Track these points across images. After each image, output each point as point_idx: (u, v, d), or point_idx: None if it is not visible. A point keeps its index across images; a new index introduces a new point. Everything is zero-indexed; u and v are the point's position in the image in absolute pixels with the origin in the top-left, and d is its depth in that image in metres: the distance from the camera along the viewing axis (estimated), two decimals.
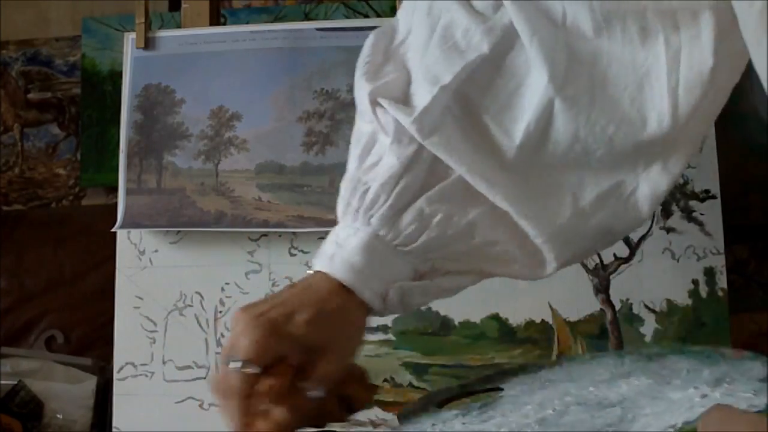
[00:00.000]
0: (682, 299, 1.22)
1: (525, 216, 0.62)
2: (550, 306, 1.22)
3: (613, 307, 1.22)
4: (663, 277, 1.21)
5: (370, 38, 0.68)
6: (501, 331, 1.22)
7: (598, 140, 0.61)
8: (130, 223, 1.26)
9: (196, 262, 1.27)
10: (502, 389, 0.63)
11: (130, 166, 1.28)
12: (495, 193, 0.62)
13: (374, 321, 1.24)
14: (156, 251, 1.28)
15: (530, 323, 1.22)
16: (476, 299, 1.21)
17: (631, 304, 1.22)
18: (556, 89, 0.61)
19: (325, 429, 0.62)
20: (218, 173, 1.27)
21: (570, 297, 1.22)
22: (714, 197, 1.22)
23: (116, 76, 1.66)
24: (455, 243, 0.63)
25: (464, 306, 1.22)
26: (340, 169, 1.24)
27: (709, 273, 1.22)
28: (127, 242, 1.28)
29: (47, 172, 1.81)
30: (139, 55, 1.31)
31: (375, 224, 0.63)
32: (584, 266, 1.21)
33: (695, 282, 1.22)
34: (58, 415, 1.43)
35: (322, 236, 1.25)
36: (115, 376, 1.26)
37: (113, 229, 1.27)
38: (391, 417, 1.17)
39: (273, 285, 1.26)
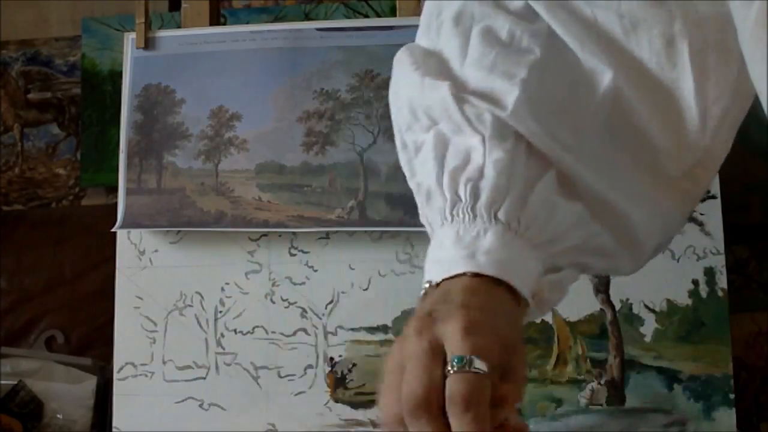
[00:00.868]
0: (682, 299, 1.22)
1: (626, 205, 0.61)
2: None
3: (613, 306, 1.22)
4: (663, 277, 1.21)
5: (403, 52, 0.65)
6: None
7: (648, 140, 0.61)
8: (130, 223, 1.26)
9: (196, 262, 1.27)
10: None
11: (130, 166, 1.28)
12: (598, 181, 0.61)
13: (374, 321, 1.24)
14: (156, 251, 1.28)
15: (530, 323, 1.22)
16: None
17: (631, 304, 1.22)
18: (618, 87, 0.60)
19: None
20: (218, 173, 1.27)
21: (570, 297, 1.21)
22: (714, 197, 1.22)
23: (116, 76, 1.66)
24: (574, 233, 0.61)
25: None
26: (340, 169, 1.25)
27: (709, 273, 1.22)
28: (127, 242, 1.28)
29: (47, 172, 1.81)
30: (139, 55, 1.31)
31: (503, 218, 0.58)
32: None
33: (695, 282, 1.22)
34: (58, 415, 1.43)
35: (322, 236, 1.26)
36: (115, 376, 1.26)
37: (113, 229, 1.27)
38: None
39: (273, 285, 1.26)
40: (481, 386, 0.49)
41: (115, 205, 1.28)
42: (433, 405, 0.49)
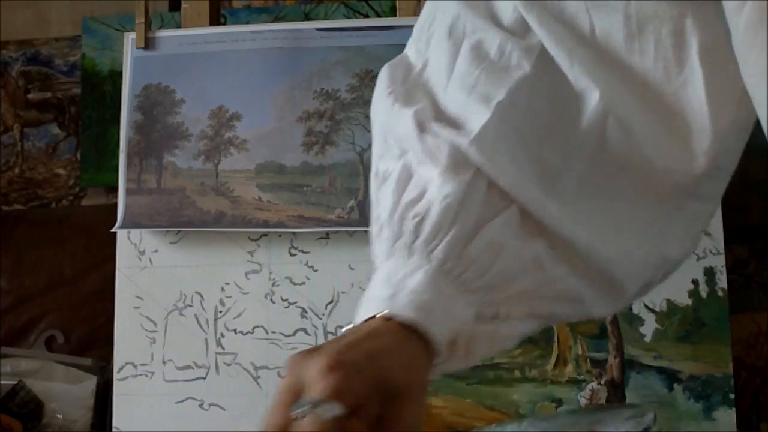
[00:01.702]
0: (682, 299, 1.22)
1: (590, 245, 0.57)
2: None
3: None
4: None
5: (384, 71, 0.63)
6: None
7: (646, 162, 0.58)
8: (130, 223, 1.26)
9: (196, 262, 1.27)
10: None
11: (130, 166, 1.28)
12: (557, 218, 0.56)
13: None
14: (156, 251, 1.28)
15: None
16: None
17: (631, 304, 1.22)
18: (607, 106, 0.57)
19: None
20: (218, 173, 1.27)
21: None
22: None
23: (116, 76, 1.66)
24: (524, 278, 0.56)
25: None
26: (339, 169, 1.25)
27: (709, 273, 1.22)
28: (127, 242, 1.28)
29: (47, 172, 1.81)
30: (139, 55, 1.31)
31: (439, 257, 0.55)
32: None
33: (695, 282, 1.22)
34: (58, 415, 1.43)
35: (322, 236, 1.26)
36: (115, 376, 1.26)
37: (113, 229, 1.27)
38: None
39: (273, 285, 1.26)
40: (327, 430, 0.48)
41: (115, 205, 1.28)
42: None
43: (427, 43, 0.62)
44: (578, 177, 0.58)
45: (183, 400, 1.24)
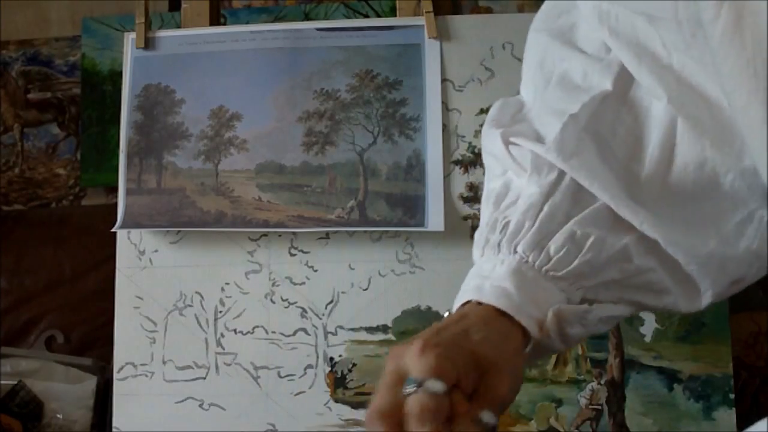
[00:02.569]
0: None
1: (673, 243, 0.60)
2: None
3: None
4: None
5: (496, 105, 0.69)
6: None
7: (725, 160, 0.60)
8: (130, 223, 1.26)
9: (196, 262, 1.27)
10: None
11: (130, 166, 1.28)
12: (640, 219, 0.60)
13: (374, 321, 1.24)
14: (156, 251, 1.28)
15: None
16: None
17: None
18: (677, 108, 0.59)
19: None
20: (218, 173, 1.27)
21: None
22: None
23: (116, 76, 1.66)
24: (609, 268, 0.61)
25: None
26: (339, 169, 1.25)
27: None
28: (127, 242, 1.28)
29: (47, 172, 1.81)
30: (139, 55, 1.31)
31: (521, 251, 0.61)
32: None
33: None
34: (58, 415, 1.43)
35: (322, 236, 1.26)
36: (115, 376, 1.26)
37: (113, 229, 1.27)
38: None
39: (273, 285, 1.26)
40: (430, 405, 0.53)
41: (115, 205, 1.28)
42: (390, 420, 0.54)
43: (527, 80, 0.69)
44: (654, 180, 0.61)
45: (183, 400, 1.24)
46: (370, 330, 1.24)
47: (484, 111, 1.25)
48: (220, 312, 1.26)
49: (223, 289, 1.26)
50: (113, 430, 1.24)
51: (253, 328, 1.25)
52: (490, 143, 0.66)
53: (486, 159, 0.68)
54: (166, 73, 1.30)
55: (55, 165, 1.81)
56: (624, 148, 0.63)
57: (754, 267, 0.64)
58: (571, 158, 0.61)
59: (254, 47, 1.28)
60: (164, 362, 1.25)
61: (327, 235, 1.26)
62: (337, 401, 1.23)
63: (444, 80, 1.25)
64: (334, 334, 1.24)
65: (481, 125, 1.25)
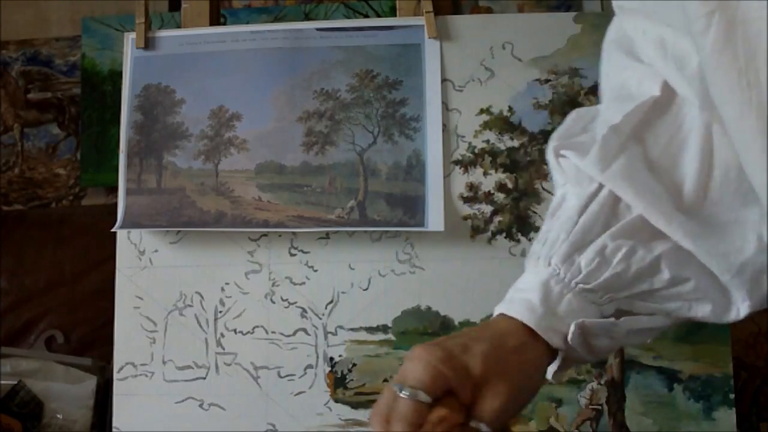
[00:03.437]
0: None
1: (707, 252, 0.60)
2: None
3: None
4: None
5: (574, 113, 0.71)
6: None
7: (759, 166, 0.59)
8: (130, 223, 1.26)
9: (196, 262, 1.27)
10: None
11: (130, 166, 1.28)
12: (674, 229, 0.60)
13: (374, 321, 1.24)
14: (156, 251, 1.28)
15: None
16: (476, 299, 1.21)
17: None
18: (710, 113, 0.60)
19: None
20: (218, 173, 1.27)
21: None
22: None
23: (116, 76, 1.66)
24: (641, 280, 0.62)
25: (464, 306, 1.22)
26: (339, 169, 1.25)
27: None
28: (127, 242, 1.28)
29: (47, 172, 1.82)
30: (139, 55, 1.31)
31: (554, 263, 0.62)
32: None
33: None
34: (58, 415, 1.43)
35: (322, 236, 1.26)
36: (115, 376, 1.26)
37: (113, 229, 1.27)
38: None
39: (273, 285, 1.26)
40: (406, 413, 0.56)
41: (115, 205, 1.28)
42: (383, 420, 0.58)
43: (601, 90, 0.71)
44: (702, 190, 0.62)
45: (183, 400, 1.24)
46: (370, 330, 1.24)
47: (484, 111, 1.25)
48: (220, 312, 1.26)
49: (223, 289, 1.26)
50: (113, 430, 1.24)
51: (253, 328, 1.25)
52: (548, 155, 0.68)
53: (550, 169, 0.70)
54: (166, 73, 1.30)
55: (55, 165, 1.81)
56: (667, 154, 0.63)
57: None
58: (608, 168, 0.62)
59: (254, 47, 1.28)
60: (164, 362, 1.25)
61: (327, 235, 1.26)
62: (337, 401, 1.23)
63: (444, 80, 1.25)
64: (334, 334, 1.24)
65: (481, 125, 1.25)
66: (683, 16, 0.55)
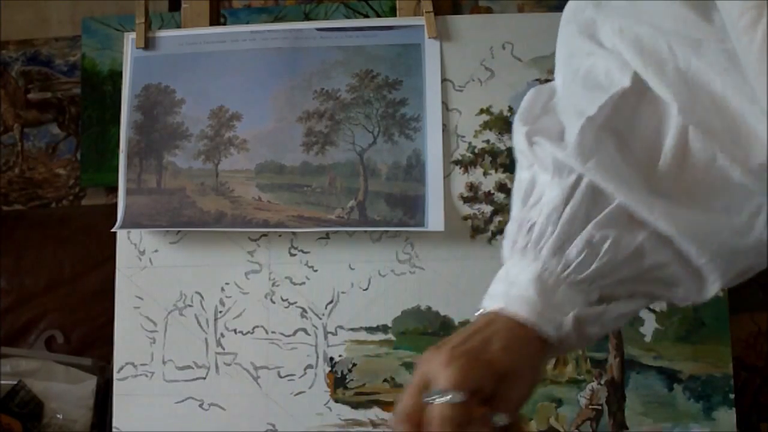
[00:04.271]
0: None
1: (686, 235, 0.63)
2: None
3: None
4: None
5: (530, 94, 0.72)
6: None
7: (735, 158, 0.61)
8: (130, 223, 1.26)
9: (196, 262, 1.27)
10: None
11: (130, 166, 1.28)
12: (655, 215, 0.62)
13: (374, 321, 1.24)
14: (156, 251, 1.28)
15: None
16: (476, 299, 1.21)
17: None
18: (686, 117, 0.62)
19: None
20: (218, 173, 1.27)
21: None
22: None
23: (116, 76, 1.66)
24: (626, 267, 0.64)
25: (464, 306, 1.22)
26: (339, 168, 1.25)
27: None
28: (127, 242, 1.28)
29: (47, 172, 1.81)
30: (139, 55, 1.31)
31: (544, 257, 0.64)
32: None
33: None
34: (58, 415, 1.43)
35: (322, 236, 1.26)
36: (115, 376, 1.26)
37: (113, 229, 1.27)
38: (390, 417, 1.17)
39: (273, 285, 1.26)
40: (450, 414, 0.58)
41: (115, 205, 1.28)
42: (412, 422, 0.60)
43: (558, 69, 0.72)
44: (668, 177, 0.63)
45: (183, 400, 1.24)
46: (370, 330, 1.24)
47: (484, 111, 1.25)
48: (220, 312, 1.26)
49: (223, 289, 1.26)
50: (113, 430, 1.24)
51: (253, 328, 1.25)
52: (517, 139, 0.69)
53: (515, 150, 0.71)
54: (166, 73, 1.30)
55: (55, 165, 1.81)
56: (642, 143, 0.64)
57: (764, 256, 0.66)
58: (589, 160, 0.63)
59: (254, 47, 1.28)
60: (164, 362, 1.25)
61: (327, 235, 1.26)
62: (337, 401, 1.23)
63: (444, 80, 1.25)
64: (334, 334, 1.24)
65: (481, 125, 1.25)
66: (673, 19, 0.57)
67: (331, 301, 1.25)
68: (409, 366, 1.22)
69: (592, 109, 0.64)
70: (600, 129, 0.64)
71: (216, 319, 1.26)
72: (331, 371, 1.24)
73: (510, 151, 1.24)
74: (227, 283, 1.26)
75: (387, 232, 1.24)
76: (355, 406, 1.23)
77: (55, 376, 1.46)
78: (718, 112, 0.61)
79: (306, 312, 1.25)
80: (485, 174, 1.25)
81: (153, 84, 1.30)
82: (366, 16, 1.68)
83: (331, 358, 1.24)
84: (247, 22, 1.69)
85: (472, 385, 0.59)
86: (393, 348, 1.23)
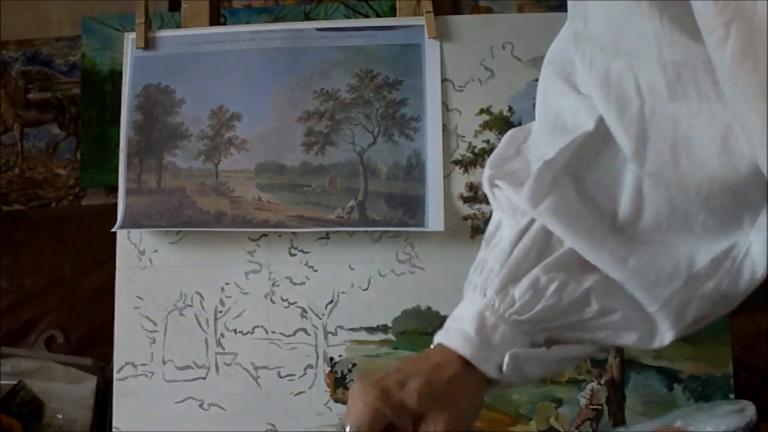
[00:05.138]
0: None
1: (635, 284, 0.62)
2: None
3: None
4: None
5: (507, 136, 0.72)
6: None
7: (695, 204, 0.60)
8: (130, 223, 1.26)
9: (196, 262, 1.27)
10: None
11: (130, 166, 1.28)
12: (603, 261, 0.62)
13: (374, 321, 1.24)
14: (156, 251, 1.28)
15: None
16: None
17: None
18: (640, 166, 0.61)
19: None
20: (218, 173, 1.27)
21: None
22: None
23: (116, 76, 1.66)
24: (571, 312, 0.64)
25: None
26: (339, 169, 1.25)
27: None
28: (127, 242, 1.28)
29: (47, 172, 1.82)
30: (139, 55, 1.31)
31: (489, 295, 0.64)
32: None
33: None
34: (58, 415, 1.43)
35: (322, 236, 1.26)
36: (115, 376, 1.26)
37: (113, 229, 1.27)
38: None
39: (273, 285, 1.26)
40: None
41: (115, 205, 1.28)
42: None
43: (537, 110, 0.71)
44: (624, 224, 0.63)
45: (183, 400, 1.24)
46: (370, 330, 1.24)
47: (484, 111, 1.25)
48: (220, 312, 1.26)
49: (223, 289, 1.26)
50: (113, 430, 1.24)
51: (253, 328, 1.25)
52: (483, 183, 0.70)
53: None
54: (166, 73, 1.30)
55: (55, 165, 1.81)
56: (603, 188, 0.64)
57: (720, 306, 0.67)
58: (539, 204, 0.63)
59: (254, 47, 1.28)
60: (164, 362, 1.25)
61: (327, 235, 1.26)
62: (337, 401, 1.23)
63: (444, 80, 1.25)
64: (334, 334, 1.24)
65: (481, 125, 1.25)
66: (652, 46, 0.56)
67: (331, 301, 1.25)
68: None
69: (552, 152, 0.64)
70: (559, 172, 0.64)
71: (216, 319, 1.26)
72: (331, 371, 1.24)
73: None
74: (227, 283, 1.26)
75: (387, 232, 1.24)
76: None
77: (55, 376, 1.46)
78: (676, 159, 0.59)
79: (306, 312, 1.25)
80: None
81: (153, 84, 1.30)
82: (366, 16, 1.68)
83: (331, 358, 1.24)
84: (247, 22, 1.69)
85: (377, 425, 0.60)
86: (393, 348, 1.23)
